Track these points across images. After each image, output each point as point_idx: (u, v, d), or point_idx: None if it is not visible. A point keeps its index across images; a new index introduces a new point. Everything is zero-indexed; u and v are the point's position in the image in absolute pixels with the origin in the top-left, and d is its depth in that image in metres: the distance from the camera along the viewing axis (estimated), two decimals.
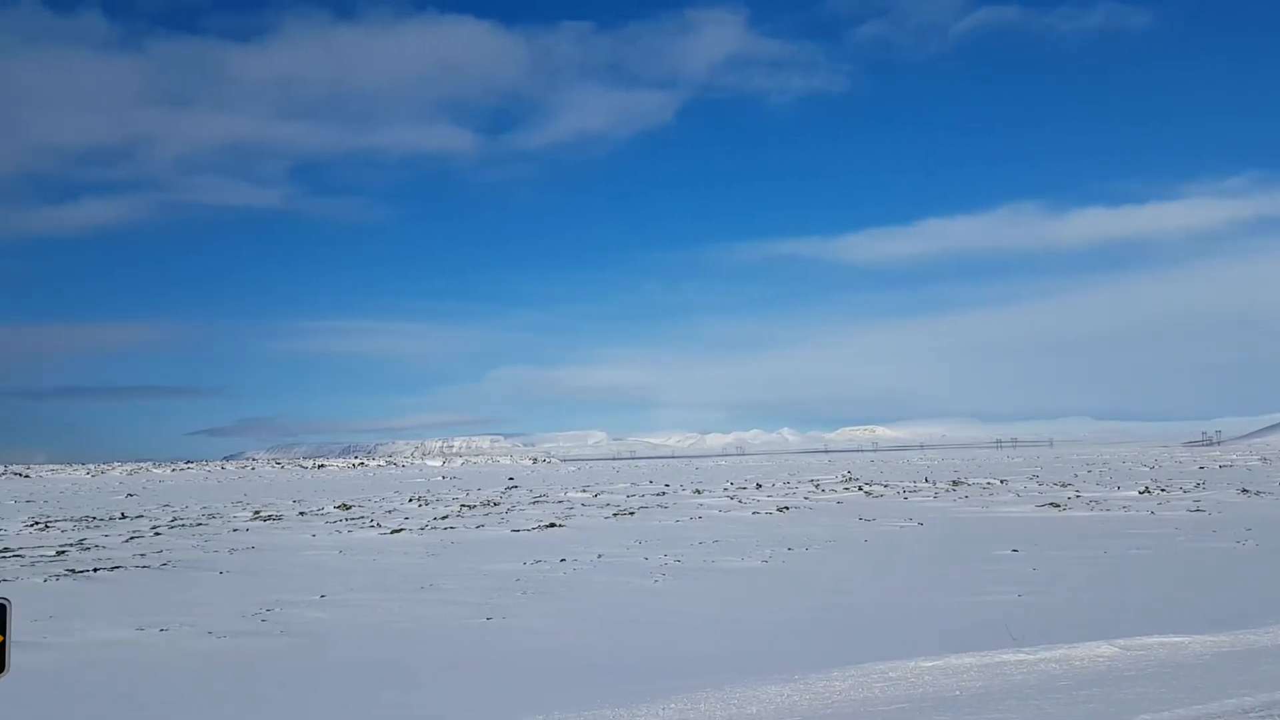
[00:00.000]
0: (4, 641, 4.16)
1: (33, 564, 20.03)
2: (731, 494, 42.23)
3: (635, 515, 31.18)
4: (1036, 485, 44.45)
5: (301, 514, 35.43)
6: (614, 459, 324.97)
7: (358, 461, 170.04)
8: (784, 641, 11.18)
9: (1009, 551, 19.25)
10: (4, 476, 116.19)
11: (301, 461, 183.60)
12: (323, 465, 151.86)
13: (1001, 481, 47.68)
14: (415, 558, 20.73)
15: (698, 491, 45.55)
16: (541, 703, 7.82)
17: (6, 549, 23.31)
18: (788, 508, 33.03)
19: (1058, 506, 30.73)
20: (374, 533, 26.57)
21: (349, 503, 41.73)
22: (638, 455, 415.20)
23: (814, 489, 45.08)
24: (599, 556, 19.80)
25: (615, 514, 31.46)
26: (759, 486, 49.07)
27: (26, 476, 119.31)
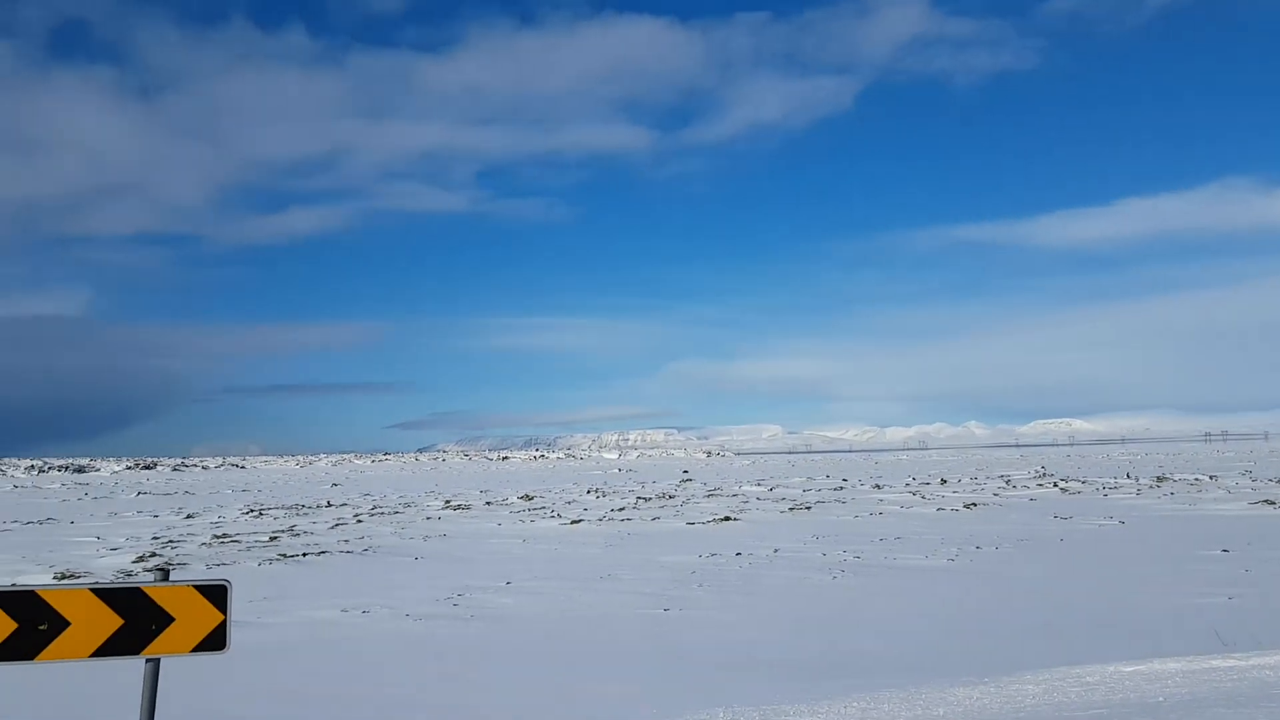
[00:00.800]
0: (225, 620, 4.56)
1: (249, 549, 21.75)
2: (914, 489, 40.99)
3: (812, 510, 30.78)
4: (1250, 481, 40.94)
5: (488, 504, 36.91)
6: (789, 453, 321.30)
7: (538, 454, 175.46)
8: (972, 643, 10.77)
9: (1218, 552, 17.84)
10: (222, 468, 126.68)
11: (487, 454, 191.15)
12: (506, 457, 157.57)
13: (1211, 477, 44.18)
14: (594, 548, 21.20)
15: (877, 486, 44.46)
16: (721, 695, 7.84)
17: (226, 535, 25.42)
18: (975, 504, 31.76)
19: (1273, 504, 28.20)
20: (555, 523, 27.36)
21: (531, 494, 43.14)
22: (814, 449, 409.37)
23: (1004, 485, 43.14)
24: (775, 551, 19.66)
25: (791, 508, 31.15)
26: (944, 482, 47.40)
27: (242, 467, 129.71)
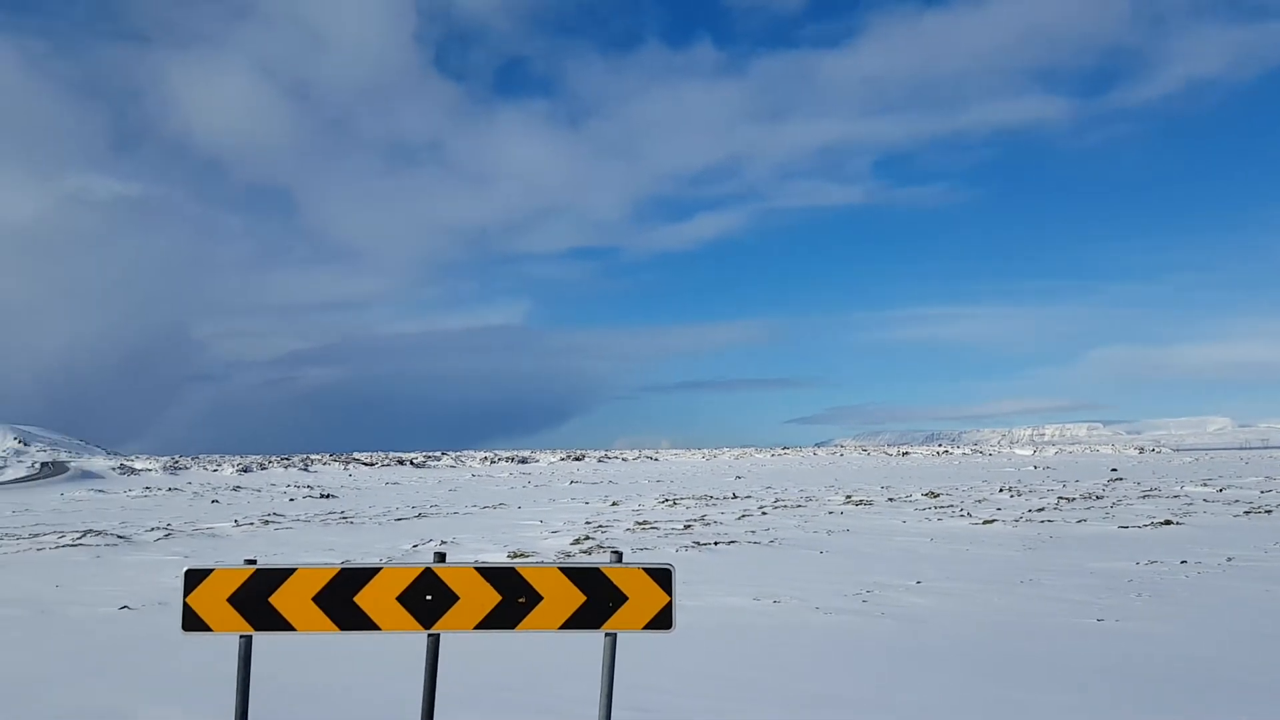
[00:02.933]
0: (670, 602, 4.94)
1: (666, 535, 23.26)
2: None
3: (1274, 514, 26.68)
4: None
5: (890, 500, 36.29)
6: (1241, 449, 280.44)
7: (941, 450, 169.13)
8: None
9: None
10: (638, 459, 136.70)
11: (886, 449, 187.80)
12: (906, 453, 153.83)
13: None
14: (1010, 550, 20.04)
15: None
16: (1171, 715, 7.07)
17: (646, 522, 27.41)
18: None
19: None
20: (964, 522, 26.25)
21: (936, 490, 41.76)
22: (1271, 444, 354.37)
23: None
24: (1228, 560, 17.32)
25: (1247, 512, 27.22)
26: None
27: (655, 459, 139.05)
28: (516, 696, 8.13)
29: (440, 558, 5.22)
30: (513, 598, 4.96)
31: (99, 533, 26.16)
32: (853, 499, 36.71)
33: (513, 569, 5.03)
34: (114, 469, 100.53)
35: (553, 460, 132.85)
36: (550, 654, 9.58)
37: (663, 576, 4.93)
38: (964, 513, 29.17)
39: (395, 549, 21.87)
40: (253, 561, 5.28)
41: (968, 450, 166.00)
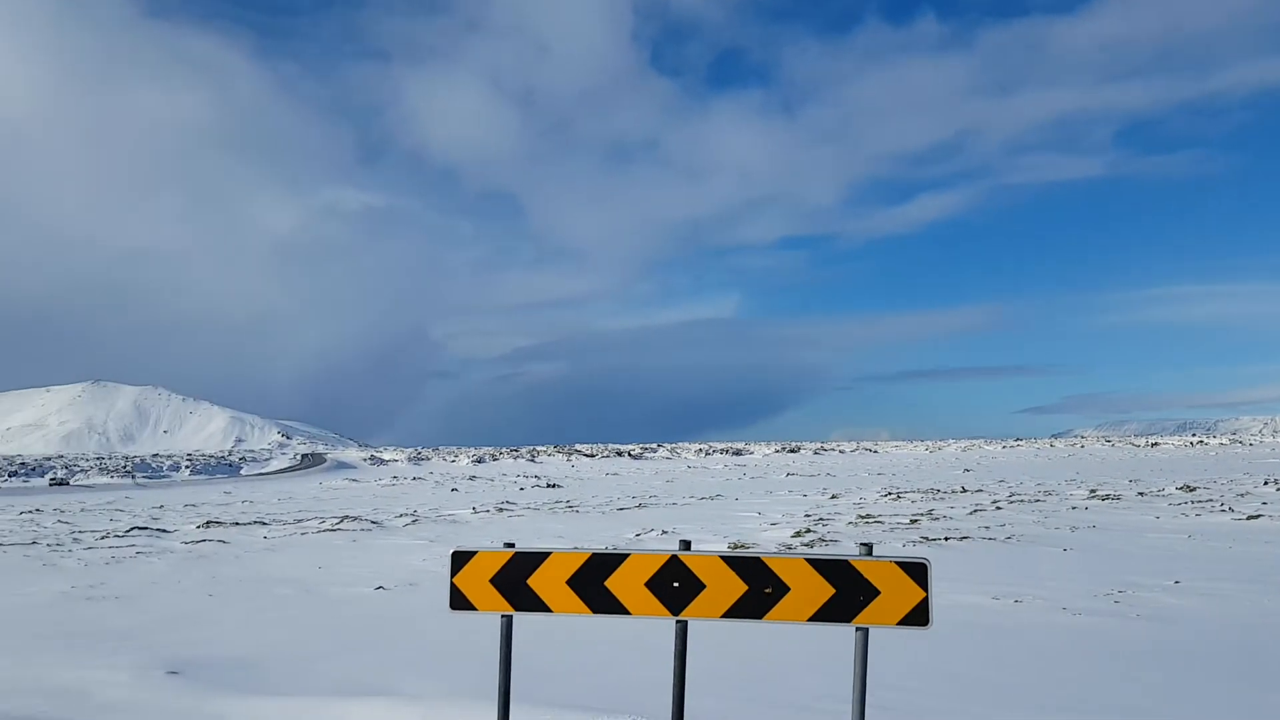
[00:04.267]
0: (926, 598, 4.80)
1: (891, 530, 22.62)
2: None
3: None
4: None
5: (1140, 494, 33.78)
6: None
7: (1195, 440, 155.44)
8: None
9: None
10: (856, 452, 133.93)
11: (1133, 440, 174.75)
12: (1156, 444, 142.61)
13: None
14: (1278, 548, 18.24)
15: None
16: None
17: (869, 515, 26.80)
18: None
19: None
20: (1225, 517, 24.06)
21: (1192, 484, 38.48)
22: None
23: None
24: None
25: None
26: None
27: (874, 452, 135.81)
28: (759, 688, 8.17)
29: (685, 545, 5.31)
30: (759, 588, 4.97)
31: (354, 518, 28.49)
32: (1097, 493, 34.44)
33: (758, 559, 5.03)
34: (365, 460, 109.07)
35: (767, 453, 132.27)
36: (786, 647, 9.55)
37: (918, 571, 4.78)
38: (1225, 507, 26.73)
39: (619, 537, 22.49)
40: (511, 545, 5.56)
41: (1225, 440, 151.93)
